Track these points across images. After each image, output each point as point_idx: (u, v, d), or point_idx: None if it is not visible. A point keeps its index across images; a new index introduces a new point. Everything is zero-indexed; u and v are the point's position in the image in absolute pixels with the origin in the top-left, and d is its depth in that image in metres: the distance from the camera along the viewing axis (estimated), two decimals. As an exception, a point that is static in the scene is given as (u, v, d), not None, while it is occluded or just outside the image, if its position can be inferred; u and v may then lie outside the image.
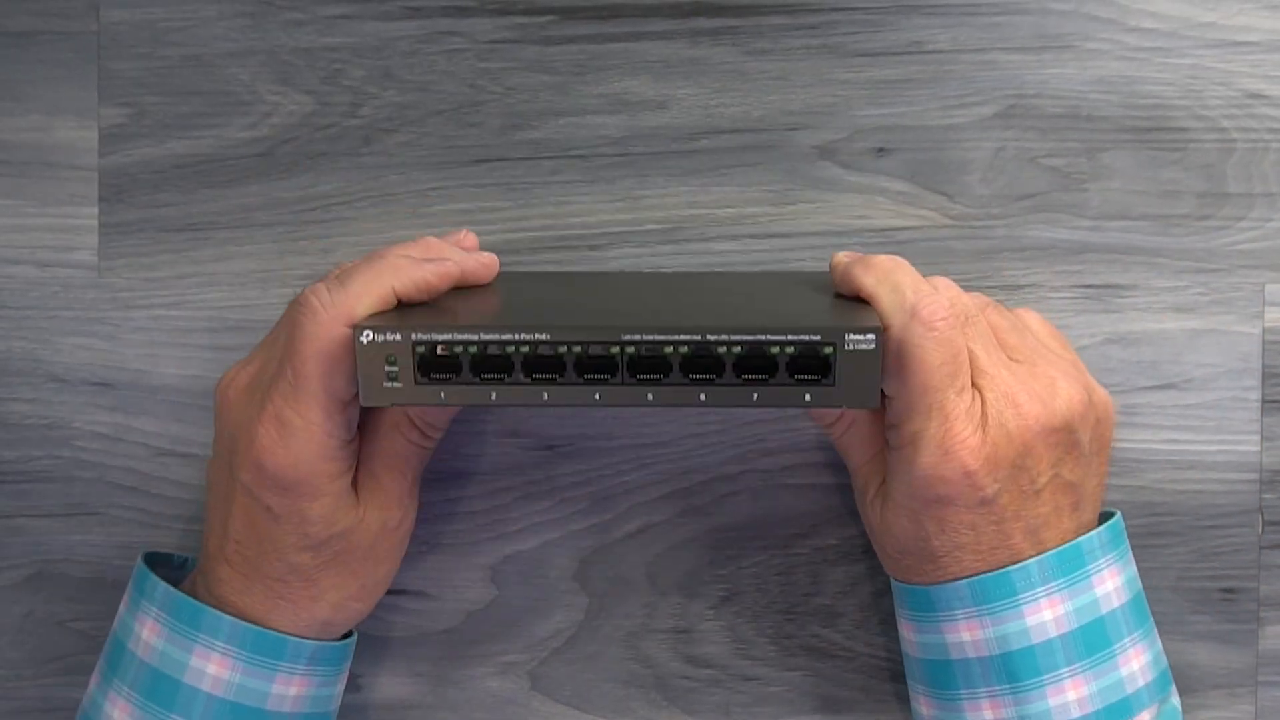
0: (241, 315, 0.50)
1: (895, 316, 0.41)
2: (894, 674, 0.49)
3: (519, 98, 0.49)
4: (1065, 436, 0.42)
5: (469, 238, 0.47)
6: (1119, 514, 0.44)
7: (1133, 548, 0.48)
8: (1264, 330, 0.48)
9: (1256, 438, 0.48)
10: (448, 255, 0.44)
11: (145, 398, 0.50)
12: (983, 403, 0.41)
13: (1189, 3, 0.48)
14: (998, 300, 0.48)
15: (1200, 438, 0.48)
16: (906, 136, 0.48)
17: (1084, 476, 0.43)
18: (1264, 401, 0.48)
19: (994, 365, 0.41)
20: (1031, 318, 0.46)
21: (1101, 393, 0.44)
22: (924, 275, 0.48)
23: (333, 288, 0.41)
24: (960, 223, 0.48)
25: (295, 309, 0.41)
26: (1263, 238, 0.48)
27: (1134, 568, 0.44)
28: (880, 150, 0.49)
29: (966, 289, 0.48)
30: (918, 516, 0.41)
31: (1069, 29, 0.48)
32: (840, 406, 0.40)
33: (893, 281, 0.41)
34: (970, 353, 0.41)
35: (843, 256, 0.44)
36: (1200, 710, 0.48)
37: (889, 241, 0.48)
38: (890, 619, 0.49)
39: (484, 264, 0.45)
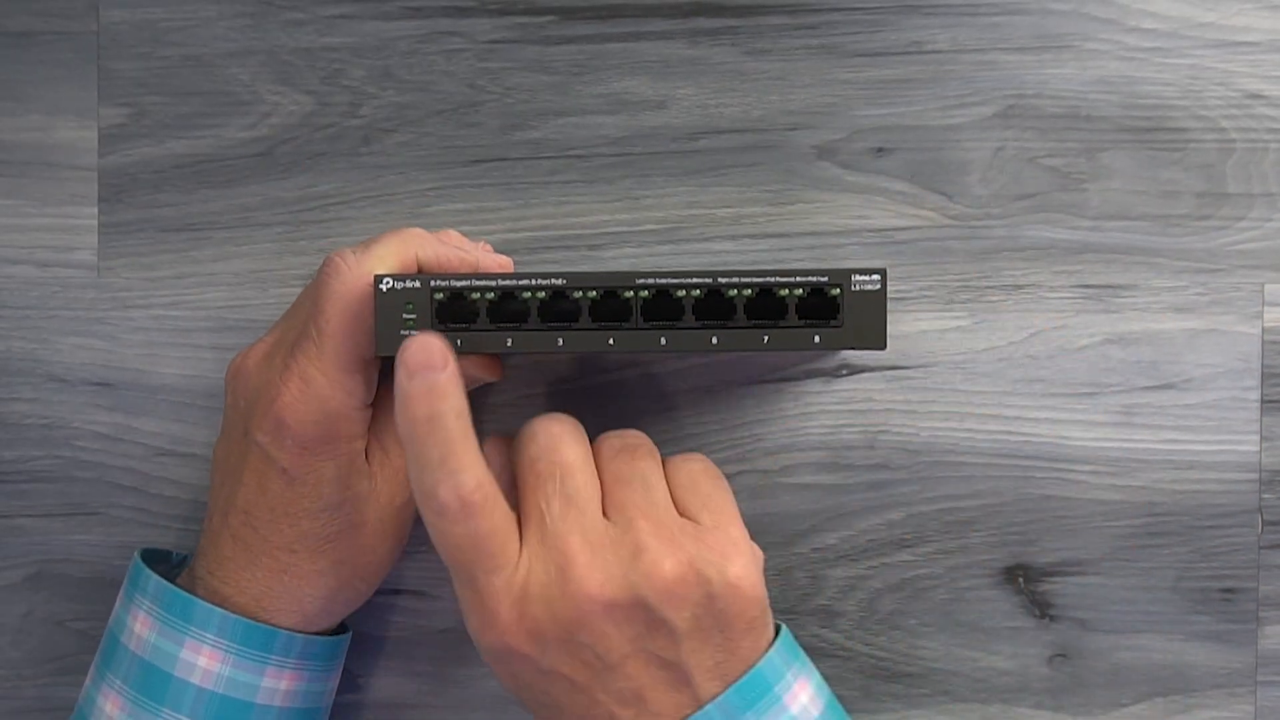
0: (241, 315, 0.50)
1: (415, 495, 0.37)
2: (894, 674, 0.49)
3: (518, 98, 0.49)
4: (638, 614, 0.38)
5: (485, 246, 0.48)
6: (784, 626, 0.41)
7: (1132, 548, 0.48)
8: (1264, 330, 0.48)
9: (1256, 438, 0.48)
10: (466, 248, 0.46)
11: (145, 398, 0.50)
12: (530, 572, 0.38)
13: (1189, 3, 0.48)
14: (1000, 301, 0.48)
15: (1200, 438, 0.48)
16: (906, 136, 0.48)
17: (690, 654, 0.38)
18: (1264, 401, 0.48)
19: (563, 528, 0.38)
20: (688, 470, 0.42)
21: (728, 569, 0.39)
22: (926, 271, 0.48)
23: (357, 251, 0.43)
24: (959, 223, 0.48)
25: (319, 273, 0.43)
26: (1263, 238, 0.48)
27: (818, 672, 0.41)
28: (880, 150, 0.49)
29: (966, 289, 0.48)
30: (496, 671, 0.40)
31: (1069, 29, 0.48)
32: (849, 347, 0.41)
33: (415, 456, 0.37)
34: (540, 512, 0.39)
35: (404, 380, 0.36)
36: (1200, 710, 0.48)
37: (888, 241, 0.48)
38: (890, 619, 0.49)
39: (500, 263, 0.46)
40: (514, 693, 0.40)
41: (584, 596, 0.38)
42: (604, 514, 0.40)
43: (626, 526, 0.39)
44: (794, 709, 0.40)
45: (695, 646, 0.39)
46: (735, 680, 0.39)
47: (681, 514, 0.40)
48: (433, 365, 0.36)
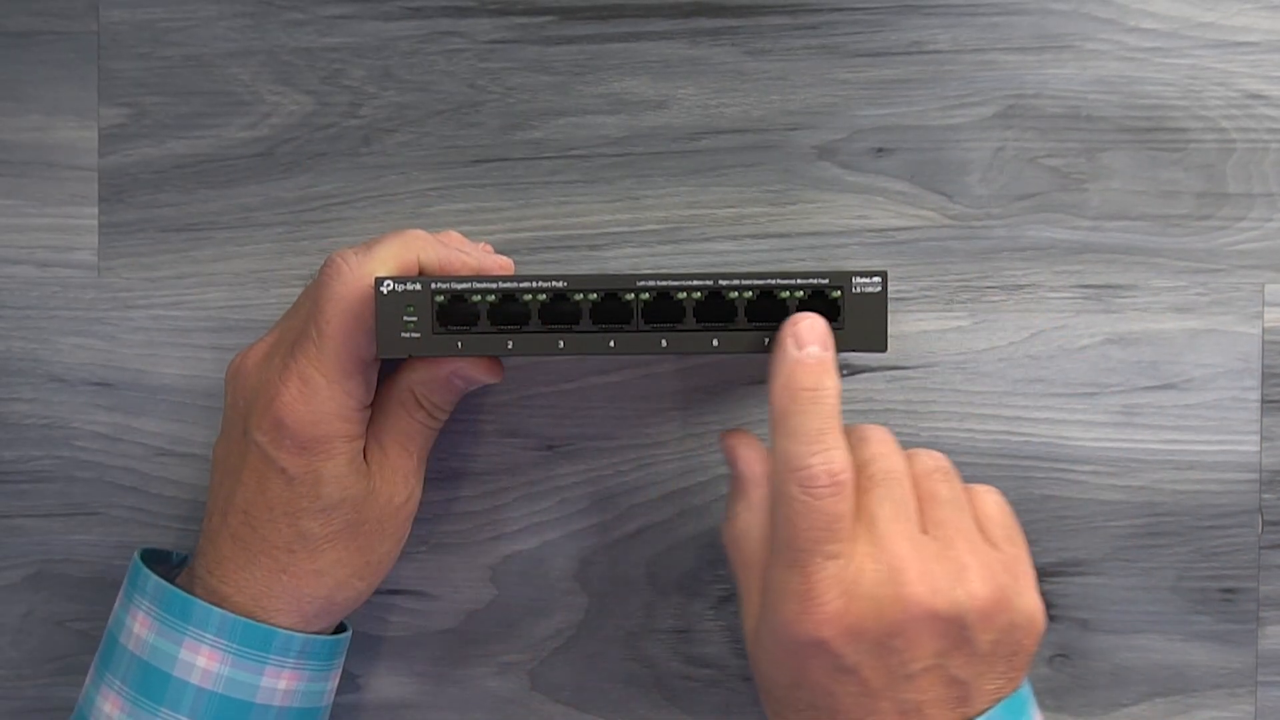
0: (241, 315, 0.50)
1: (780, 465, 0.39)
2: (894, 674, 0.49)
3: (519, 98, 0.49)
4: (953, 629, 0.38)
5: (486, 247, 0.48)
6: (1024, 689, 0.41)
7: (1133, 548, 0.48)
8: (1264, 330, 0.48)
9: (1256, 438, 0.48)
10: (468, 250, 0.45)
11: (145, 398, 0.50)
12: (861, 569, 0.38)
13: (1189, 3, 0.48)
14: (993, 300, 0.48)
15: (1200, 438, 0.48)
16: (906, 136, 0.48)
17: (977, 676, 0.39)
18: (1264, 401, 0.48)
19: (894, 533, 0.39)
20: (989, 500, 0.42)
21: (1030, 601, 0.40)
22: (926, 271, 0.48)
23: (359, 252, 0.43)
24: (960, 223, 0.48)
25: (320, 273, 0.43)
26: (1263, 238, 0.48)
27: None
28: (880, 150, 0.49)
29: (967, 289, 0.48)
30: (780, 663, 0.40)
31: (1069, 29, 0.48)
32: (850, 350, 0.41)
33: (791, 426, 0.39)
34: (871, 514, 0.39)
35: (793, 350, 0.40)
36: (1200, 710, 0.48)
37: (889, 241, 0.48)
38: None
39: (501, 265, 0.46)
40: (782, 690, 0.40)
41: (914, 602, 0.38)
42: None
43: (947, 544, 0.39)
44: None
45: (985, 670, 0.39)
46: (1004, 699, 0.40)
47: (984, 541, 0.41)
48: (824, 342, 0.39)
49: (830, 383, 0.39)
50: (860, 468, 0.40)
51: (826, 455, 0.39)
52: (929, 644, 0.38)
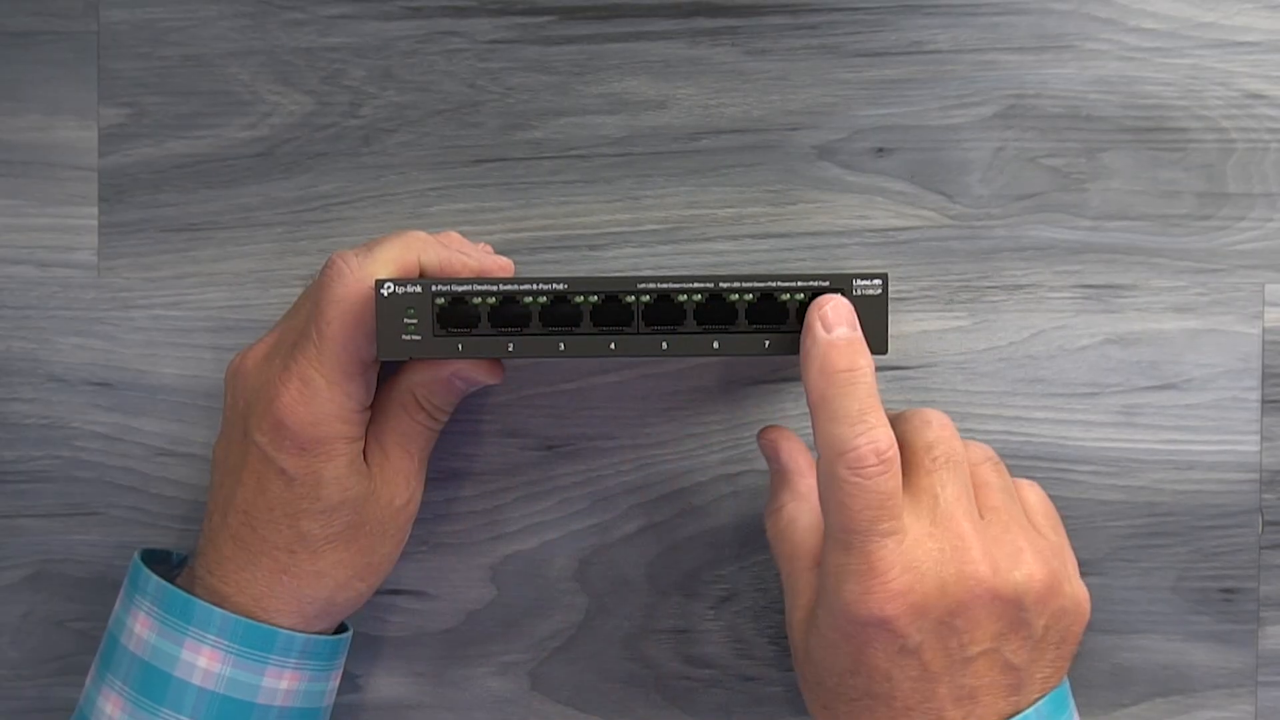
0: (241, 315, 0.50)
1: (824, 449, 0.39)
2: (894, 674, 0.49)
3: (519, 98, 0.49)
4: (1012, 611, 0.39)
5: (486, 248, 0.48)
6: (1065, 683, 0.41)
7: (1133, 548, 0.48)
8: (1264, 330, 0.48)
9: (1256, 438, 0.48)
10: (468, 251, 0.46)
11: (145, 398, 0.50)
12: (922, 546, 0.39)
13: (1189, 3, 0.48)
14: (996, 300, 0.48)
15: (1200, 438, 0.48)
16: (906, 136, 0.48)
17: (1030, 662, 0.40)
18: (1264, 401, 0.48)
19: (957, 513, 0.40)
20: (1032, 493, 0.44)
21: (1078, 588, 0.41)
22: (926, 271, 0.48)
23: (360, 254, 0.43)
24: (960, 223, 0.48)
25: (321, 274, 0.43)
26: (1263, 238, 0.48)
27: None
28: (880, 150, 0.49)
29: (967, 289, 0.48)
30: (838, 648, 0.40)
31: (1069, 29, 0.48)
32: None
33: (833, 410, 0.39)
34: (934, 494, 0.40)
35: (822, 333, 0.40)
36: (1200, 710, 0.48)
37: (889, 241, 0.48)
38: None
39: (501, 265, 0.47)
40: (835, 679, 0.40)
41: (977, 580, 0.38)
42: None
43: (1005, 527, 0.40)
44: None
45: (1037, 656, 0.40)
46: (1051, 692, 0.40)
47: None
48: (852, 322, 0.40)
49: (864, 362, 0.40)
50: (925, 450, 0.41)
51: (871, 434, 0.39)
52: (989, 625, 0.39)
